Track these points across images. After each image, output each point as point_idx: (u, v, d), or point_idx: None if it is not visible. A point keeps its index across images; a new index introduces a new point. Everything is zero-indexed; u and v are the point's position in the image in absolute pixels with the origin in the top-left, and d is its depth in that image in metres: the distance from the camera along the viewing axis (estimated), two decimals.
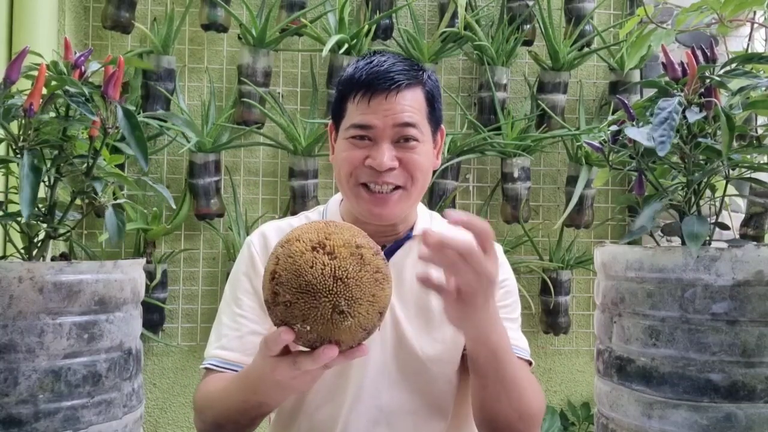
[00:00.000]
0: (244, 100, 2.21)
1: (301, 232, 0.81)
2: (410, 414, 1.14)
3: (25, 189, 0.79)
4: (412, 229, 1.19)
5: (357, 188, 1.10)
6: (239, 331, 1.14)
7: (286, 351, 0.84)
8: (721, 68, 0.94)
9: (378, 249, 0.82)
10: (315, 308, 0.76)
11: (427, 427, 1.15)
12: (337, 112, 1.14)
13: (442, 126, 1.20)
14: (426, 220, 1.22)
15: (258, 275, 1.16)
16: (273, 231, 1.21)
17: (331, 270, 0.76)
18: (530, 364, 1.18)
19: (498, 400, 1.03)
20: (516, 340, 1.16)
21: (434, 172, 1.20)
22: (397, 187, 1.09)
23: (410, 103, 1.09)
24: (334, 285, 0.76)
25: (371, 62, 1.10)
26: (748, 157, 0.98)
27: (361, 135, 1.08)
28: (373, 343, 1.11)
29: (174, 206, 1.11)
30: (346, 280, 0.77)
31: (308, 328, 0.77)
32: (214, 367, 1.13)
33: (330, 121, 1.19)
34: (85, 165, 0.90)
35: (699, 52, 0.93)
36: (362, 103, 1.08)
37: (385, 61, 1.10)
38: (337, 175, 1.14)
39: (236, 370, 1.09)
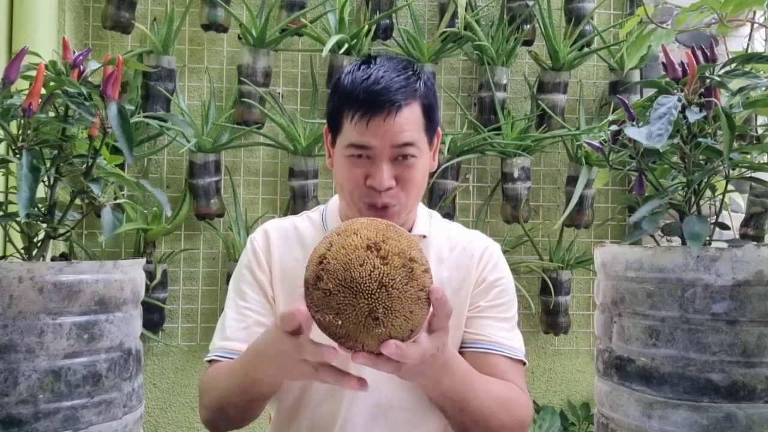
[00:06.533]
0: (244, 100, 2.21)
1: (360, 225, 0.81)
2: (408, 409, 1.14)
3: (23, 189, 0.79)
4: (411, 229, 1.19)
5: (358, 204, 1.11)
6: (245, 322, 1.15)
7: (300, 332, 0.85)
8: (721, 68, 0.94)
9: (429, 267, 0.82)
10: (352, 306, 0.77)
11: (424, 422, 1.15)
12: (333, 121, 1.13)
13: (438, 130, 1.19)
14: (425, 220, 1.22)
15: (261, 268, 1.18)
16: (275, 229, 1.22)
17: (379, 274, 0.77)
18: (524, 364, 1.18)
19: (464, 428, 1.07)
20: (509, 340, 1.16)
21: (433, 173, 1.20)
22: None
23: (407, 120, 1.07)
24: (378, 290, 0.76)
25: (368, 78, 1.07)
26: (748, 156, 0.97)
27: (359, 154, 1.08)
28: None
29: (169, 213, 1.12)
30: (390, 289, 0.77)
31: (339, 322, 0.78)
32: (219, 358, 1.14)
33: (325, 126, 1.18)
34: (85, 165, 0.90)
35: (699, 52, 0.93)
36: (360, 124, 1.06)
37: (382, 77, 1.07)
38: (338, 186, 1.14)
39: None
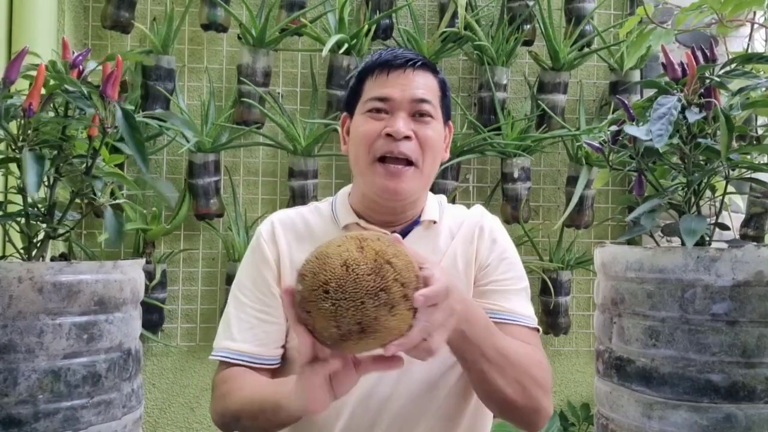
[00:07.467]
0: (244, 100, 2.21)
1: (337, 244, 0.82)
2: (407, 409, 1.14)
3: (30, 174, 0.79)
4: (420, 215, 1.20)
5: (374, 164, 1.12)
6: (249, 322, 1.15)
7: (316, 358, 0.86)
8: (721, 68, 0.94)
9: (402, 264, 0.81)
10: (337, 328, 0.78)
11: (423, 421, 1.15)
12: (352, 97, 1.19)
13: (450, 123, 1.24)
14: (434, 206, 1.23)
15: (267, 264, 1.18)
16: (282, 222, 1.22)
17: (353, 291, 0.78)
18: (538, 331, 1.18)
19: (483, 379, 1.03)
20: (521, 308, 1.16)
21: (442, 170, 1.21)
22: (409, 163, 1.12)
23: (425, 82, 1.16)
24: (359, 308, 0.77)
25: (387, 49, 1.20)
26: (748, 157, 0.97)
27: (378, 108, 1.13)
28: None
29: (173, 205, 1.12)
30: (369, 307, 0.78)
31: (334, 346, 0.81)
32: (227, 359, 1.14)
33: (343, 114, 1.23)
34: (85, 165, 0.90)
35: (699, 53, 0.93)
36: (381, 77, 1.15)
37: (400, 49, 1.19)
38: (354, 156, 1.16)
39: (250, 362, 1.12)
